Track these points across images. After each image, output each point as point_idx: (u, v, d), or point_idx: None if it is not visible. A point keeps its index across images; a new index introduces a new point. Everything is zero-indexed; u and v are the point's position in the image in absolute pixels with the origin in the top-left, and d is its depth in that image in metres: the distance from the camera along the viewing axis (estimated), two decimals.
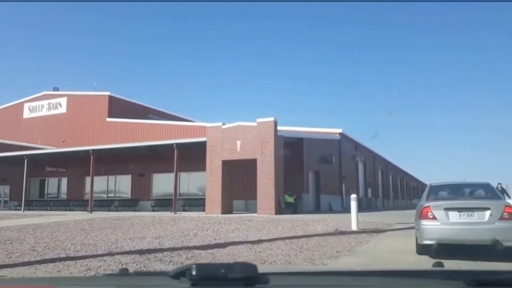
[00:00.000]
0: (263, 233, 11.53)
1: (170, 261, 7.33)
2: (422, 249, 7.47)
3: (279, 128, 21.90)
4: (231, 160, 22.03)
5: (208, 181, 22.47)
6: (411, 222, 12.53)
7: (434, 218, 7.11)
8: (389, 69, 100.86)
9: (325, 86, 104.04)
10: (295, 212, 21.54)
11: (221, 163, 22.05)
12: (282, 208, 21.30)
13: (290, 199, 22.18)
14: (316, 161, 26.61)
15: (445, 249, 7.17)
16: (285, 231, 12.08)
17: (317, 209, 26.00)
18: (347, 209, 29.99)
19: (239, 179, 23.97)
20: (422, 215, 7.29)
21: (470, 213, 6.95)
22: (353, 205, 12.73)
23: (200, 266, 1.20)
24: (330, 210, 26.67)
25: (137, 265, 6.90)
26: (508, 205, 6.99)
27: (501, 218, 6.77)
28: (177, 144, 23.84)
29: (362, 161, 36.59)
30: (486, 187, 8.05)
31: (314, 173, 26.52)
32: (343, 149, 30.90)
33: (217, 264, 1.24)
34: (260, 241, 9.96)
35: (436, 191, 8.12)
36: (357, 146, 34.72)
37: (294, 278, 1.54)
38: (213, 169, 22.27)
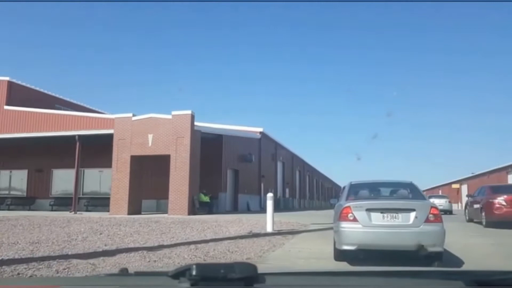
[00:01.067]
0: (167, 237, 10.06)
1: (30, 276, 5.64)
2: (341, 255, 6.63)
3: (197, 123, 20.46)
4: (142, 155, 20.13)
5: (114, 178, 20.30)
6: (327, 223, 11.94)
7: (355, 219, 6.31)
8: (309, 71, 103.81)
9: (247, 84, 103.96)
10: (210, 212, 20.26)
11: (130, 158, 20.04)
12: (196, 208, 19.90)
13: (206, 199, 20.84)
14: (235, 160, 25.58)
15: (366, 255, 6.32)
16: (193, 234, 10.72)
17: (234, 209, 24.96)
18: (265, 209, 29.44)
19: (150, 177, 22.09)
20: (341, 217, 6.45)
21: (394, 214, 6.22)
22: (269, 205, 11.76)
23: (200, 266, 1.19)
24: (248, 210, 25.84)
25: None
26: (433, 206, 6.36)
27: (427, 220, 6.12)
28: (80, 136, 21.34)
29: (281, 161, 36.40)
30: (410, 186, 7.36)
31: (233, 171, 25.46)
32: (263, 148, 30.29)
33: (217, 264, 1.23)
34: (160, 247, 8.50)
35: (357, 190, 7.34)
36: (277, 146, 34.38)
37: (293, 278, 1.55)
38: (120, 165, 20.16)
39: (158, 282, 1.40)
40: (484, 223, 14.72)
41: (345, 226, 6.36)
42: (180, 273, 1.22)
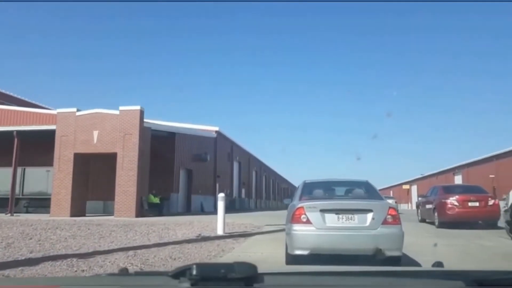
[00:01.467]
0: (105, 242, 9.11)
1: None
2: (292, 260, 6.04)
3: (148, 120, 19.39)
4: (87, 153, 18.80)
5: (55, 178, 18.82)
6: (281, 224, 11.44)
7: (308, 221, 5.82)
8: (267, 72, 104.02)
9: (204, 84, 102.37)
10: (160, 214, 19.26)
11: (73, 156, 18.64)
12: (145, 210, 18.82)
13: (155, 200, 19.80)
14: (189, 159, 24.64)
15: (320, 260, 5.77)
16: (135, 239, 9.82)
17: (187, 210, 24.03)
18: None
19: (97, 176, 20.73)
20: (294, 218, 5.94)
21: (350, 215, 5.77)
22: (220, 205, 11.06)
23: (200, 266, 1.19)
24: (202, 211, 25.00)
25: None
26: (391, 207, 5.93)
27: (384, 222, 5.69)
28: (18, 132, 19.62)
29: (238, 161, 35.78)
30: (366, 185, 6.94)
31: (186, 171, 24.51)
32: (219, 148, 29.52)
33: (217, 264, 1.24)
34: (93, 254, 7.58)
35: (311, 189, 6.81)
36: (233, 145, 33.72)
37: (293, 278, 1.56)
38: (62, 163, 18.71)
39: (158, 282, 1.40)
40: (436, 223, 14.72)
41: (298, 228, 5.85)
42: (180, 273, 1.22)
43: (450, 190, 15.57)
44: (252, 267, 1.20)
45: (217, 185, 28.92)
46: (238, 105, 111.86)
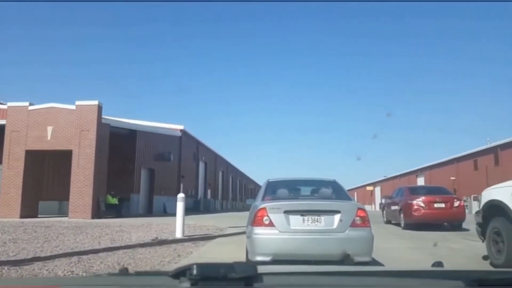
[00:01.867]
0: (49, 246, 8.25)
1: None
2: None
3: (107, 116, 18.37)
4: (40, 150, 17.58)
5: (4, 176, 17.50)
6: (246, 226, 10.88)
7: (271, 224, 5.28)
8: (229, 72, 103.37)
9: (168, 81, 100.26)
10: (119, 215, 18.28)
11: (25, 153, 17.39)
12: (102, 211, 17.80)
13: (113, 201, 18.79)
14: (151, 158, 23.68)
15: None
16: (84, 243, 8.99)
17: (149, 212, 23.07)
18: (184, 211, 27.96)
19: (51, 175, 19.51)
20: (255, 221, 5.38)
21: (317, 217, 5.28)
22: (180, 207, 10.37)
23: (200, 266, 1.18)
24: (165, 213, 24.10)
25: None
26: (360, 208, 5.46)
27: (353, 224, 5.24)
28: None
29: (204, 161, 34.98)
30: (334, 184, 6.45)
31: (148, 171, 23.54)
32: (184, 147, 28.64)
33: (217, 264, 1.21)
34: (32, 260, 6.75)
35: (275, 189, 6.24)
36: (199, 145, 32.89)
37: (294, 278, 1.55)
38: (12, 161, 17.42)
39: (159, 281, 1.38)
40: (402, 224, 14.61)
41: (259, 232, 5.29)
42: (180, 273, 1.21)
43: (416, 191, 15.41)
44: (252, 267, 1.20)
45: (181, 185, 28.04)
46: (206, 105, 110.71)
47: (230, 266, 1.17)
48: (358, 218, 5.27)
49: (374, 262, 6.22)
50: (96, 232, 11.03)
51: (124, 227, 12.60)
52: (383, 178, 58.29)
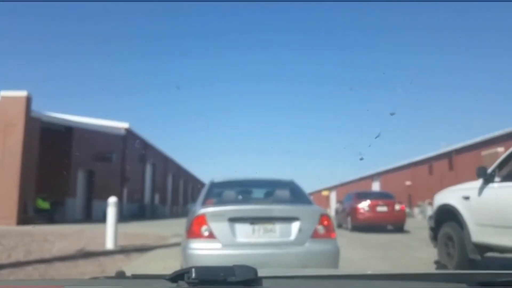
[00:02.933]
0: None
1: None
2: None
3: (38, 111, 16.41)
4: None
5: None
6: None
7: (211, 236, 4.13)
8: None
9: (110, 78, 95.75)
10: (52, 221, 16.34)
11: None
12: (30, 216, 15.81)
13: (45, 205, 16.83)
14: (90, 158, 21.73)
15: None
16: None
17: (87, 217, 21.11)
18: (128, 217, 26.07)
19: None
20: (191, 231, 4.21)
21: (270, 226, 4.20)
22: (111, 213, 9.02)
23: (198, 269, 1.15)
24: (105, 219, 22.20)
25: None
26: (324, 214, 4.43)
27: (315, 234, 4.21)
28: None
29: (152, 163, 33.13)
30: (291, 186, 5.29)
31: (86, 172, 21.58)
32: (129, 148, 26.79)
33: (216, 267, 1.19)
34: None
35: (220, 191, 5.09)
36: (147, 146, 31.04)
37: (294, 281, 1.51)
38: None
39: (156, 285, 1.32)
40: (349, 227, 15.69)
41: (196, 246, 4.11)
42: (178, 276, 1.20)
43: (362, 196, 16.44)
44: (252, 270, 1.18)
45: (125, 189, 26.18)
46: (159, 105, 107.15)
47: (229, 269, 1.16)
48: (321, 226, 4.26)
49: None
50: (12, 242, 9.36)
51: (51, 236, 10.95)
52: (338, 183, 58.69)
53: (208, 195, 4.96)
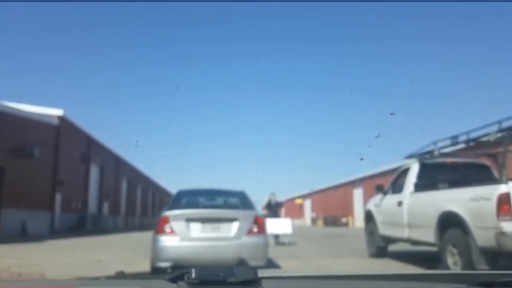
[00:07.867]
0: None
1: None
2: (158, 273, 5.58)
3: None
4: None
5: None
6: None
7: (172, 232, 5.80)
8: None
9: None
10: None
11: None
12: None
13: None
14: (2, 152, 15.84)
15: None
16: None
17: None
18: (62, 231, 20.10)
19: None
20: (158, 229, 5.86)
21: (216, 225, 5.89)
22: None
23: (198, 270, 1.16)
24: (23, 234, 16.35)
25: None
26: (258, 216, 6.19)
27: (249, 232, 5.88)
28: None
29: (99, 164, 27.15)
30: (241, 195, 6.89)
31: None
32: (65, 143, 20.93)
33: (216, 267, 1.19)
34: None
35: (183, 199, 6.75)
36: (90, 142, 25.09)
37: (294, 282, 1.52)
38: None
39: (156, 285, 1.38)
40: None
41: (161, 239, 5.77)
42: (178, 276, 1.20)
43: None
44: (252, 270, 1.19)
45: (58, 195, 20.22)
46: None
47: (229, 270, 1.15)
48: (254, 225, 5.94)
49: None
50: None
51: None
52: (310, 191, 53.99)
53: (174, 201, 6.70)
